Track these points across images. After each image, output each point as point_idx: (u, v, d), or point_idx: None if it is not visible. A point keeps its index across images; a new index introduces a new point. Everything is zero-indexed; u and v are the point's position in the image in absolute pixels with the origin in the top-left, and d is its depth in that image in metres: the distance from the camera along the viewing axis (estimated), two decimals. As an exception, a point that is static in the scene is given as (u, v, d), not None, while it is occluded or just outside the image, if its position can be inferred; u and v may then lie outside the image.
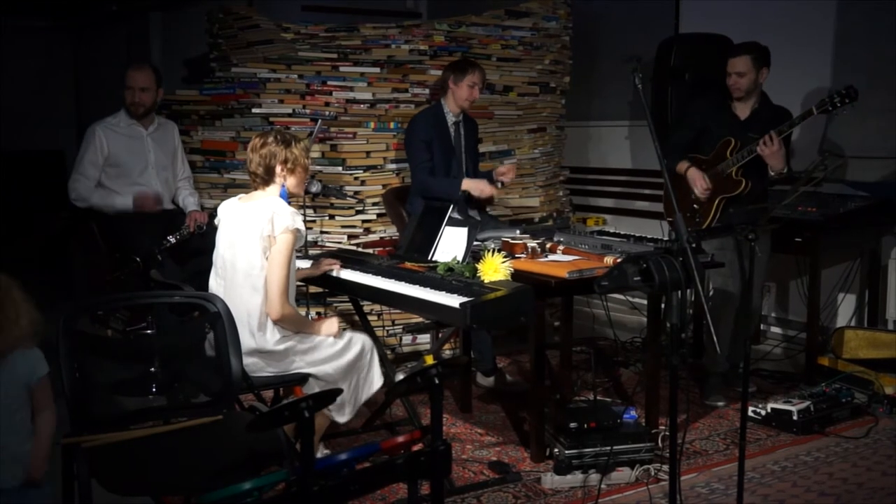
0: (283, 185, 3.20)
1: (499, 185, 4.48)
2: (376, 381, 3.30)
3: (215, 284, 3.20)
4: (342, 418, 3.23)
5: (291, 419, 2.16)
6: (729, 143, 4.14)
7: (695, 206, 4.27)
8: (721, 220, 4.19)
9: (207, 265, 3.30)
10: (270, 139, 3.18)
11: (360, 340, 3.27)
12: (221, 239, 3.21)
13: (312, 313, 4.63)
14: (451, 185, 4.34)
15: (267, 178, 3.18)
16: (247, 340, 3.02)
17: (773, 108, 4.19)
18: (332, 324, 3.27)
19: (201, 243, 4.10)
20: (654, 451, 3.39)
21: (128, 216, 4.34)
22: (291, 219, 3.07)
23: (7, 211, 8.58)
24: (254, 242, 3.07)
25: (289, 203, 3.23)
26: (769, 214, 3.26)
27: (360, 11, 6.40)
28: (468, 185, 4.37)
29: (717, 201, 4.20)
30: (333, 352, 3.19)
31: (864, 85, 3.98)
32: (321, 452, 3.41)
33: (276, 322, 3.10)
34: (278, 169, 3.16)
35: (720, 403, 4.17)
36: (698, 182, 4.20)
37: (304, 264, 3.72)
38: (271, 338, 3.10)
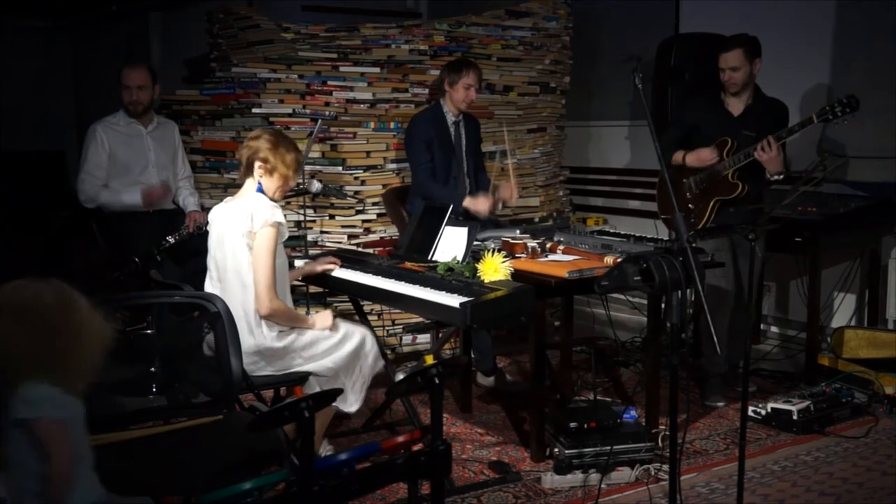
0: (259, 185, 3.19)
1: (499, 206, 4.47)
2: (378, 365, 3.32)
3: (211, 287, 3.20)
4: (350, 408, 3.24)
5: (292, 419, 2.16)
6: (725, 144, 4.12)
7: (689, 206, 4.26)
8: (715, 221, 4.18)
9: (206, 265, 3.30)
10: (265, 135, 3.20)
11: (358, 332, 3.28)
12: (212, 241, 3.22)
13: (312, 313, 4.62)
14: (451, 198, 4.27)
15: (246, 171, 3.21)
16: (246, 339, 3.02)
17: (768, 103, 4.17)
18: (325, 317, 3.27)
19: (201, 243, 4.08)
20: (654, 450, 3.39)
21: (128, 216, 4.35)
22: (271, 212, 3.07)
23: (7, 211, 8.58)
24: (238, 240, 3.08)
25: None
26: (768, 214, 3.26)
27: (360, 11, 6.40)
28: (469, 204, 4.35)
29: (711, 203, 4.18)
30: (331, 344, 3.20)
31: (863, 85, 3.98)
32: (325, 449, 3.42)
33: (265, 317, 3.09)
34: (257, 164, 3.17)
35: (720, 404, 4.17)
36: (703, 155, 4.14)
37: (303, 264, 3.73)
38: (269, 334, 3.11)
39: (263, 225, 3.06)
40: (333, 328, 3.25)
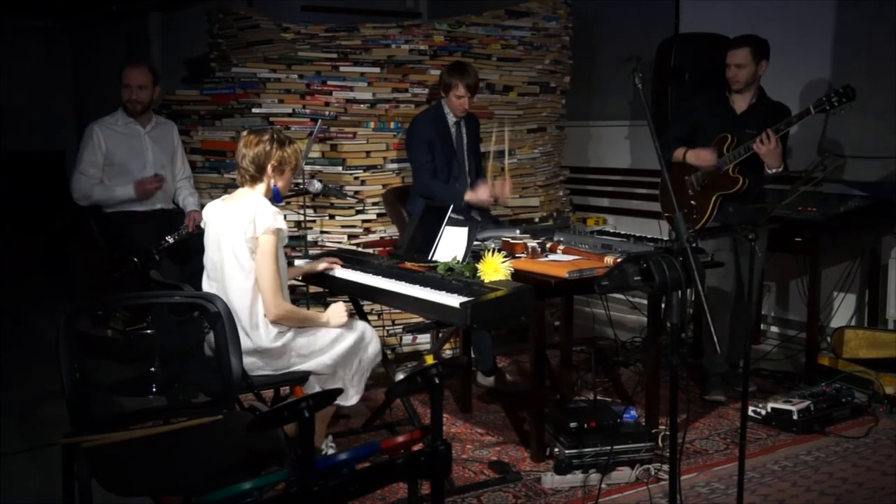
0: (274, 186, 3.21)
1: (495, 199, 4.47)
2: (378, 357, 3.34)
3: (208, 287, 3.21)
4: (349, 402, 3.26)
5: (291, 419, 2.16)
6: (725, 140, 4.13)
7: (692, 202, 4.26)
8: (718, 217, 4.18)
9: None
10: (266, 137, 3.19)
11: (357, 326, 3.29)
12: (209, 241, 3.22)
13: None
14: (454, 194, 4.30)
15: (256, 177, 3.19)
16: (243, 340, 3.02)
17: (771, 104, 4.18)
18: (338, 311, 3.26)
19: (200, 243, 4.07)
20: (655, 450, 3.39)
21: (128, 216, 4.35)
22: (273, 219, 3.08)
23: (7, 211, 8.59)
24: (240, 243, 3.08)
25: (282, 201, 3.24)
26: (769, 214, 3.27)
27: (360, 11, 6.41)
28: (470, 198, 4.35)
29: (713, 198, 4.19)
30: (329, 340, 3.21)
31: (863, 85, 3.98)
32: (328, 446, 3.42)
33: (274, 322, 3.10)
34: (269, 169, 3.18)
35: (720, 398, 4.17)
36: (703, 156, 4.16)
37: (303, 263, 3.73)
38: (266, 336, 3.11)
39: (265, 231, 3.06)
40: (348, 326, 3.25)
